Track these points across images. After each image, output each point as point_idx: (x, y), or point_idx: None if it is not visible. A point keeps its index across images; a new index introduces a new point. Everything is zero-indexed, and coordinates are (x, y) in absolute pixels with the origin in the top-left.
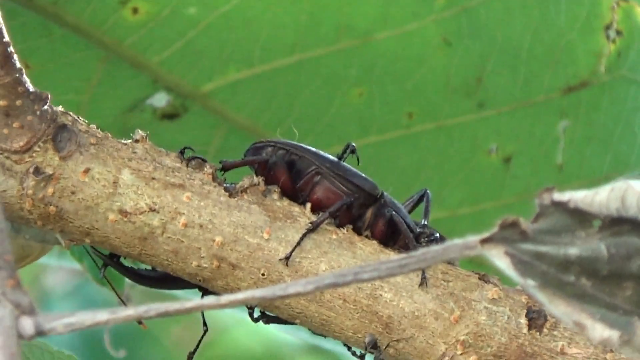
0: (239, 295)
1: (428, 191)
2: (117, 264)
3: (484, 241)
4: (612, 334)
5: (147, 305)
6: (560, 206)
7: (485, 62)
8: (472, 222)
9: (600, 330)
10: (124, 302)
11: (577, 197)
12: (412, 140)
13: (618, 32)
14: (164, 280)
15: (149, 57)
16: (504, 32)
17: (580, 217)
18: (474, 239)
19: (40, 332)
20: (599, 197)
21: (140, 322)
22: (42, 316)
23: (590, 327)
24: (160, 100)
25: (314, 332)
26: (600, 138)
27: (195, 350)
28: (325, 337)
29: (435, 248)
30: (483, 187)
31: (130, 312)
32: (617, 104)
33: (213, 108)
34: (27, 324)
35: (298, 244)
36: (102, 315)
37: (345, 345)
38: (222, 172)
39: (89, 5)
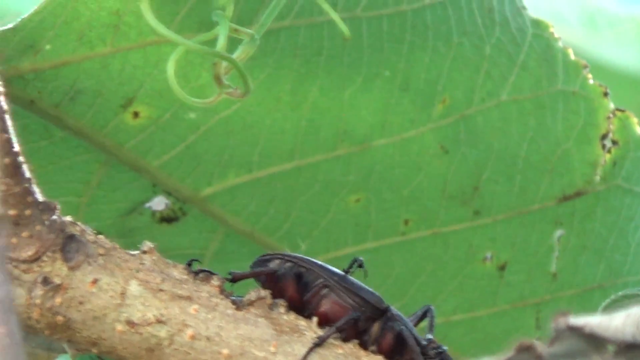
0: None
1: (432, 307)
2: None
3: None
4: None
5: None
6: (576, 331)
7: (482, 170)
8: (466, 329)
9: None
10: None
11: (593, 322)
12: (407, 246)
13: (614, 142)
14: None
15: (148, 161)
16: (500, 140)
17: (595, 341)
18: None
19: None
20: (615, 323)
21: None
22: None
23: None
24: (159, 203)
25: None
26: (594, 247)
27: None
28: None
29: None
30: (477, 294)
31: None
32: (612, 214)
33: (211, 212)
34: None
35: (304, 357)
36: None
37: None
38: (232, 282)
39: (90, 108)
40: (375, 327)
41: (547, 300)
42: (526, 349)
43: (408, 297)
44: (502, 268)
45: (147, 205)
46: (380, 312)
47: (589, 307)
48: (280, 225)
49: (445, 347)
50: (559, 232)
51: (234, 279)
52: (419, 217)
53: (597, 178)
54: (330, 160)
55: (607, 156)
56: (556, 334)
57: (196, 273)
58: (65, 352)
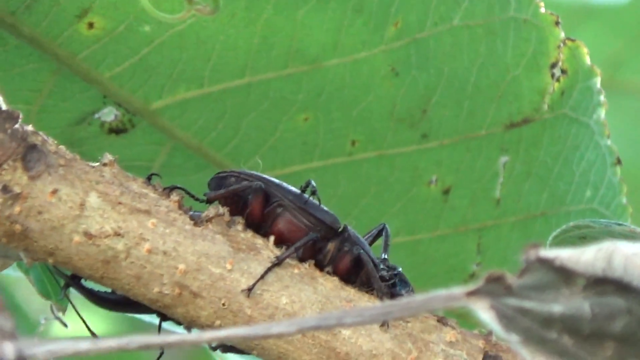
0: (222, 332)
1: (387, 226)
2: (78, 285)
3: (470, 294)
4: None
5: (129, 337)
6: (546, 263)
7: (431, 94)
8: (407, 251)
9: None
10: (92, 332)
11: (564, 255)
12: (354, 167)
13: (563, 71)
14: (123, 303)
15: (100, 71)
16: (451, 65)
17: (565, 275)
18: (459, 291)
19: (21, 358)
20: (585, 257)
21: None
22: (24, 342)
23: None
24: (109, 114)
25: None
26: (538, 175)
27: None
28: None
29: (419, 298)
30: (421, 217)
31: (112, 342)
32: (558, 142)
33: (160, 125)
34: (9, 349)
35: (262, 277)
36: (84, 344)
37: None
38: (207, 203)
39: (46, 17)
40: (332, 248)
41: (490, 226)
42: (495, 280)
43: (352, 217)
44: (446, 192)
45: (97, 115)
46: (337, 233)
47: (531, 235)
48: (228, 141)
49: (399, 268)
50: (504, 159)
51: (209, 200)
52: (366, 139)
53: (545, 106)
54: (281, 78)
55: (556, 85)
56: (526, 265)
57: (163, 189)
58: (20, 259)
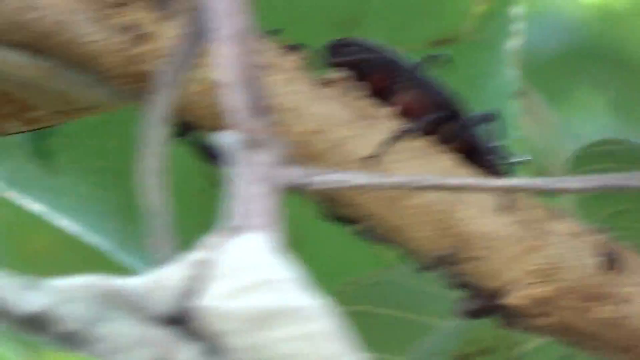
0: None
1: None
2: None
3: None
4: None
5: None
6: None
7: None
8: None
9: None
10: None
11: None
12: None
13: None
14: None
15: None
16: None
17: None
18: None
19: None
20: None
21: None
22: (298, 170)
23: None
24: None
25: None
26: None
27: None
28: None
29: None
30: None
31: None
32: (472, 67)
33: None
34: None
35: (386, 144)
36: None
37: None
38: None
39: None
40: (450, 129)
41: None
42: None
43: None
44: None
45: None
46: (459, 115)
47: None
48: None
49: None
50: None
51: (334, 64)
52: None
53: (466, 29)
54: None
55: (480, 8)
56: None
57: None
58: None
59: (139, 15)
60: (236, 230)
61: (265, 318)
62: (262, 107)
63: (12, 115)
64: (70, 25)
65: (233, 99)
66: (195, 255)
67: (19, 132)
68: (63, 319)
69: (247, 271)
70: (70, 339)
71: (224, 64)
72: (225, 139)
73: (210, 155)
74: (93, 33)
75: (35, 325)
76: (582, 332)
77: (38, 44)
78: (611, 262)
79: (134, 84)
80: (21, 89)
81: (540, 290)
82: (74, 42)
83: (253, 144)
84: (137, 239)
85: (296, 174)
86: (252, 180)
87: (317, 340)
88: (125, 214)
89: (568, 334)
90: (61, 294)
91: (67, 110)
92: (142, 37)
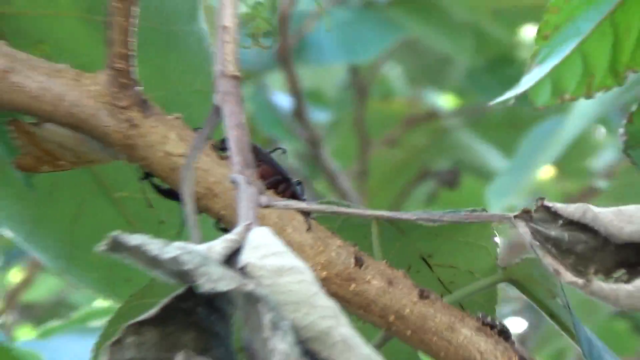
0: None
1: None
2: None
3: (515, 217)
4: (578, 280)
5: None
6: (547, 209)
7: None
8: None
9: (569, 277)
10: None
11: (558, 206)
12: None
13: None
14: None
15: None
16: None
17: (556, 216)
18: (509, 214)
19: (268, 205)
20: (569, 209)
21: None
22: (270, 197)
23: (563, 273)
24: None
25: None
26: None
27: None
28: None
29: (480, 213)
30: None
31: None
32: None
33: None
34: (263, 199)
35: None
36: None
37: None
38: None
39: None
40: (283, 186)
41: None
42: (526, 212)
43: None
44: None
45: None
46: (287, 178)
47: None
48: None
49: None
50: None
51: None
52: None
53: None
54: None
55: None
56: (536, 208)
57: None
58: (117, 159)
59: (133, 114)
60: (249, 226)
61: (279, 270)
62: (250, 162)
63: (48, 162)
64: (97, 116)
65: (237, 160)
66: (231, 235)
67: (47, 172)
68: (185, 263)
69: (266, 245)
70: (187, 274)
71: (231, 138)
72: (233, 179)
73: (169, 194)
74: (107, 121)
75: (166, 265)
76: (342, 298)
77: (77, 125)
78: (359, 261)
79: (126, 151)
80: (59, 149)
81: (322, 274)
82: (98, 126)
83: (247, 182)
84: None
85: (265, 200)
86: (248, 200)
87: (305, 284)
88: None
89: (336, 299)
90: (180, 250)
91: (80, 161)
92: (134, 126)
